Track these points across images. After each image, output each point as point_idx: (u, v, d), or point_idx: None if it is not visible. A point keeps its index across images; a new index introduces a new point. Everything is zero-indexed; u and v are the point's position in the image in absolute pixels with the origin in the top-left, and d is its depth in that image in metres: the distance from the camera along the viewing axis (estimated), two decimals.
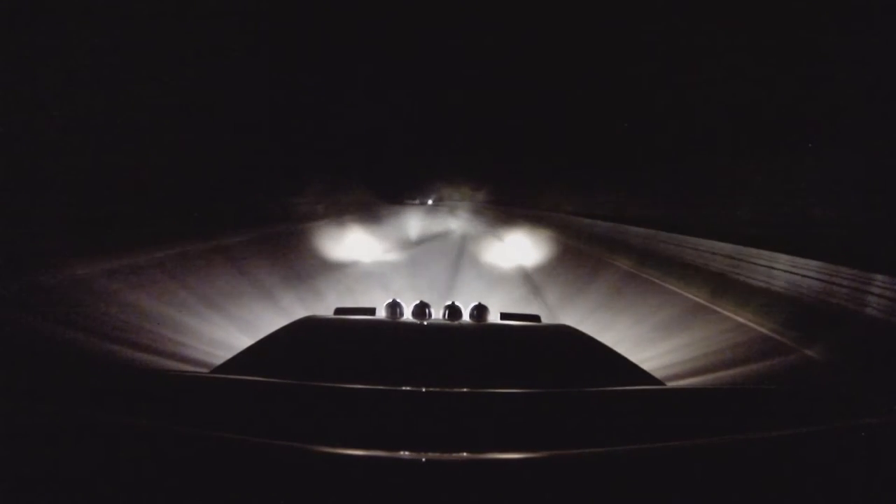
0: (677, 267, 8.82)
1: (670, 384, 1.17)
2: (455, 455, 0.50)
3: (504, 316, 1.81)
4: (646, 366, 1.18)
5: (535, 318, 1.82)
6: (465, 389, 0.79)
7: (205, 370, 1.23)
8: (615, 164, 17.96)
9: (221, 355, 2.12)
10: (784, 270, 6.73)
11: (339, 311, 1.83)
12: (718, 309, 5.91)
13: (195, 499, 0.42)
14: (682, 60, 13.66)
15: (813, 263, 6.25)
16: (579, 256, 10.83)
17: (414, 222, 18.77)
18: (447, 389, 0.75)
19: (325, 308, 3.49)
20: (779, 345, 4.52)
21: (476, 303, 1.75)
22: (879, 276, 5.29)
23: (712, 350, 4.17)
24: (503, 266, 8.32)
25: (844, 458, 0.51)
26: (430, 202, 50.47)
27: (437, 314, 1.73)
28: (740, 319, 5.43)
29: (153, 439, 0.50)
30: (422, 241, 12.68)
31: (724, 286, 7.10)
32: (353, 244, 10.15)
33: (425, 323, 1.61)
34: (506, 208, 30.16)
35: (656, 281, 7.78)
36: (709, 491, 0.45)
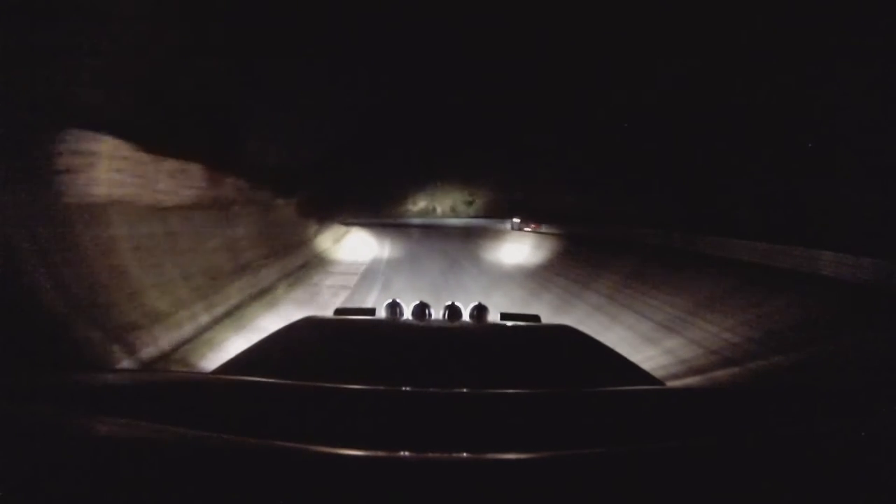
0: None
1: (670, 384, 1.17)
2: (455, 455, 0.50)
3: (504, 316, 1.81)
4: None
5: (535, 318, 1.82)
6: (465, 390, 0.79)
7: (205, 370, 1.23)
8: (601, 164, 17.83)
9: None
10: None
11: (338, 311, 1.83)
12: None
13: (195, 499, 0.42)
14: (679, 60, 13.66)
15: None
16: None
17: None
18: (447, 390, 0.75)
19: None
20: None
21: (476, 303, 1.76)
22: None
23: None
24: None
25: (844, 458, 0.51)
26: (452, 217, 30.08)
27: (437, 314, 1.73)
28: None
29: (153, 440, 0.50)
30: None
31: None
32: None
33: (425, 323, 1.61)
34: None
35: None
36: (709, 491, 0.45)
